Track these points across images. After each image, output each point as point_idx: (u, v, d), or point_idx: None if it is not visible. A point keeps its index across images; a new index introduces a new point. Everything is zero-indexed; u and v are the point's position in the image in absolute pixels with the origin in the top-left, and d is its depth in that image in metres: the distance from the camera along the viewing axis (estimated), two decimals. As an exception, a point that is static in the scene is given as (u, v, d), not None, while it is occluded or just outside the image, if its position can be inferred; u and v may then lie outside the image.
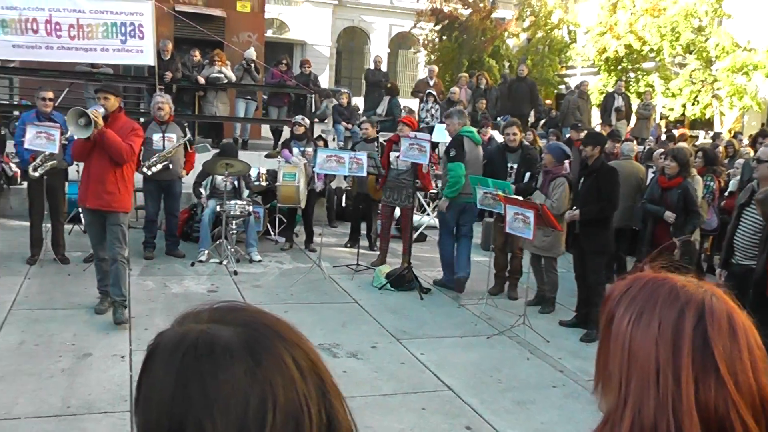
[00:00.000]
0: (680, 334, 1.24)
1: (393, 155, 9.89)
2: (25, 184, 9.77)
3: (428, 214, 12.71)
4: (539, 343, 7.49)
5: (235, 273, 9.27)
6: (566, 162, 8.94)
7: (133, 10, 12.72)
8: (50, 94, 9.24)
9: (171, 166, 9.84)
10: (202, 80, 13.90)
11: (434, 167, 11.47)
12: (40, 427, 5.14)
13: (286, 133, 14.25)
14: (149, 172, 9.68)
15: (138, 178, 10.52)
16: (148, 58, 12.79)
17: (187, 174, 10.32)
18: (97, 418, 5.30)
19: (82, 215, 7.33)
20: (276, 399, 0.94)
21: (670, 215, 8.07)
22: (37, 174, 8.86)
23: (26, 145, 8.66)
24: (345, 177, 11.82)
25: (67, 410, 5.39)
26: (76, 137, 6.84)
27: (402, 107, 17.32)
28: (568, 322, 8.15)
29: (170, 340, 0.99)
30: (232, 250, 9.73)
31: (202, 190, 10.39)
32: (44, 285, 8.35)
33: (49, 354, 6.41)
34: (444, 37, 31.26)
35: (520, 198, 8.10)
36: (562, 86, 31.30)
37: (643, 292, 1.30)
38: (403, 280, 9.14)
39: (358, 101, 18.38)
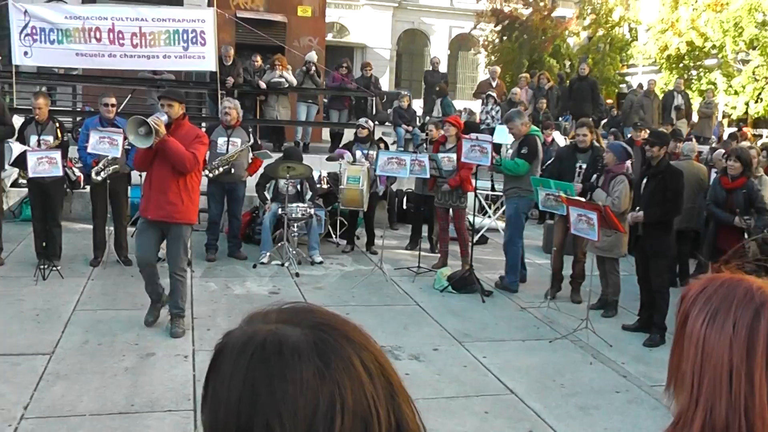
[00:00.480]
0: (755, 335, 1.23)
1: (440, 156, 9.86)
2: (88, 188, 9.96)
3: (489, 216, 12.61)
4: (602, 348, 7.34)
5: (297, 275, 9.31)
6: (627, 162, 8.79)
7: (195, 18, 12.96)
8: (113, 100, 9.42)
9: (233, 170, 9.94)
10: (263, 85, 14.00)
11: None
12: (105, 424, 5.22)
13: (347, 136, 14.28)
14: (211, 175, 9.80)
15: (202, 182, 10.70)
16: (210, 64, 12.99)
17: (251, 176, 10.41)
18: (161, 416, 5.36)
19: (139, 221, 7.07)
20: (345, 401, 0.93)
21: (740, 221, 7.87)
22: (99, 178, 9.04)
23: (89, 150, 8.87)
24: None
25: (131, 408, 5.47)
26: (138, 146, 6.58)
27: (463, 109, 17.22)
28: (631, 326, 7.98)
29: (238, 339, 0.99)
30: (294, 252, 9.77)
31: (266, 193, 10.45)
32: (107, 286, 8.49)
33: (113, 353, 6.51)
34: (504, 38, 31.06)
35: (583, 199, 7.97)
36: (623, 85, 30.83)
37: (718, 292, 1.29)
38: (464, 283, 9.07)
39: (417, 103, 18.32)
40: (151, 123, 6.37)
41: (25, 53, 12.69)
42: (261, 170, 10.54)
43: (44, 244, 8.98)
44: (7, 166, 9.60)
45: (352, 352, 0.97)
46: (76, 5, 16.97)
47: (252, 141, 10.27)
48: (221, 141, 9.96)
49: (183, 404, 5.56)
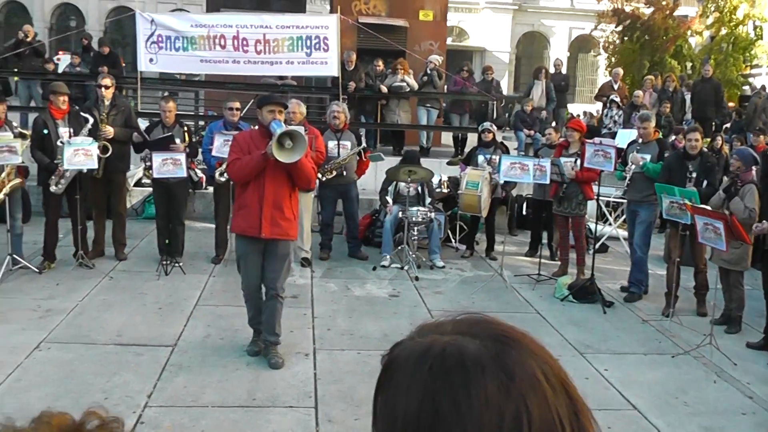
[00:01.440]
0: None
1: (563, 161, 9.69)
2: (210, 188, 10.26)
3: (610, 224, 12.33)
4: (726, 366, 7.01)
5: (417, 278, 9.32)
6: (753, 168, 8.46)
7: (319, 24, 13.17)
8: (237, 104, 9.69)
9: (345, 172, 10.05)
10: (384, 89, 14.09)
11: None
12: (227, 415, 5.36)
13: (469, 140, 14.22)
14: (324, 178, 9.88)
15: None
16: (333, 70, 13.16)
17: (358, 178, 10.52)
18: (283, 412, 5.47)
19: (236, 244, 6.56)
20: (531, 417, 0.89)
21: None
22: (223, 179, 9.27)
23: (214, 153, 9.17)
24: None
25: (253, 402, 5.60)
26: (285, 162, 5.91)
27: (583, 112, 16.89)
28: (756, 344, 7.61)
29: (413, 351, 0.96)
30: (414, 255, 9.78)
31: (388, 198, 10.52)
32: (228, 283, 8.63)
33: (234, 348, 6.69)
34: (625, 38, 30.30)
35: (709, 207, 7.69)
36: (746, 87, 29.55)
37: None
38: (585, 292, 8.88)
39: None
40: (302, 136, 5.91)
41: (151, 60, 13.14)
42: (368, 171, 10.65)
43: (167, 241, 9.31)
44: (131, 167, 10.03)
45: (535, 365, 0.94)
46: (202, 14, 17.53)
47: (363, 145, 10.39)
48: (331, 144, 10.01)
49: (304, 401, 5.65)
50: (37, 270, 8.87)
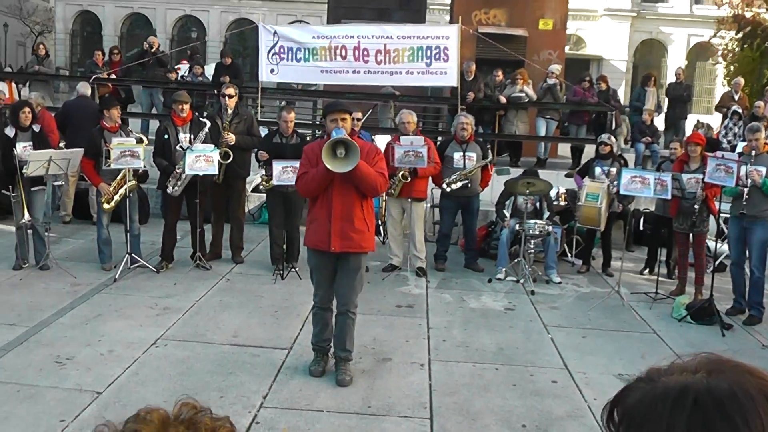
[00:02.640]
0: None
1: (684, 177, 9.26)
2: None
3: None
4: None
5: (533, 293, 9.09)
6: None
7: (439, 34, 13.14)
8: (359, 114, 9.69)
9: (469, 184, 9.94)
10: (503, 100, 13.91)
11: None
12: (342, 421, 5.31)
13: (587, 152, 13.88)
14: (448, 189, 9.87)
15: (435, 194, 10.78)
16: (452, 80, 13.07)
17: (482, 190, 10.37)
18: (397, 421, 5.37)
19: (308, 256, 6.30)
20: None
21: None
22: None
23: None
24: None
25: (368, 409, 5.52)
26: (337, 171, 5.66)
27: (700, 123, 16.24)
28: None
29: (661, 395, 0.94)
30: (530, 269, 9.56)
31: (506, 211, 10.34)
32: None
33: (350, 355, 6.63)
34: (745, 46, 29.09)
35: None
36: None
37: None
38: (703, 313, 8.44)
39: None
40: (353, 142, 5.62)
41: (272, 71, 13.35)
42: (492, 183, 10.45)
43: (284, 246, 9.35)
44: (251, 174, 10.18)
45: None
46: (323, 25, 17.76)
47: (490, 158, 10.22)
48: (457, 156, 9.99)
49: (419, 411, 5.54)
50: (154, 269, 9.10)
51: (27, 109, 9.16)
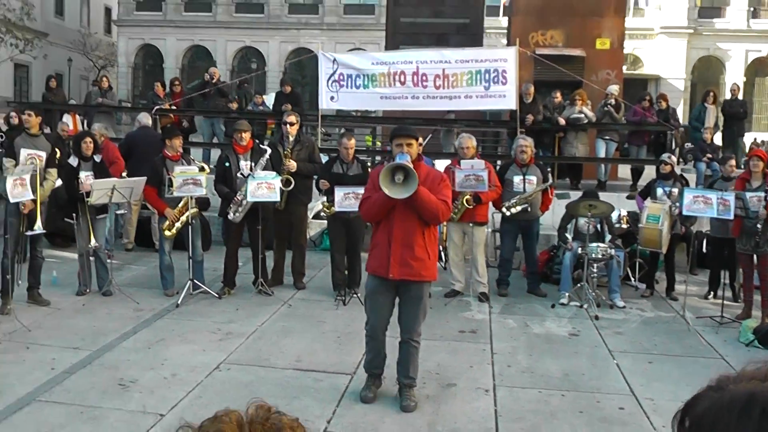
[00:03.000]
0: None
1: (747, 195, 9.02)
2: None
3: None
4: None
5: (597, 318, 8.94)
6: None
7: (497, 57, 13.11)
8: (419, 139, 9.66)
9: (529, 208, 9.88)
10: (562, 121, 13.81)
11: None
12: (408, 447, 5.23)
13: (648, 173, 13.68)
14: (508, 213, 9.84)
15: (496, 219, 10.73)
16: (511, 103, 13.03)
17: (542, 214, 10.28)
18: (464, 448, 5.29)
19: (368, 283, 6.20)
20: None
21: None
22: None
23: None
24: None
25: (434, 435, 5.44)
26: (396, 198, 5.56)
27: (760, 141, 15.91)
28: None
29: (728, 403, 0.95)
30: (593, 294, 9.41)
31: (567, 235, 10.21)
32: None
33: (416, 380, 6.58)
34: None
35: None
36: None
37: None
38: (771, 337, 8.23)
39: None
40: (411, 168, 5.50)
41: (332, 98, 13.46)
42: (553, 206, 10.36)
43: (346, 272, 9.36)
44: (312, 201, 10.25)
45: None
46: (382, 52, 17.89)
47: (550, 181, 10.15)
48: (517, 179, 9.95)
49: (485, 437, 5.45)
50: (216, 295, 9.20)
51: (89, 140, 9.38)
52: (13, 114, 14.36)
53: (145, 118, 12.91)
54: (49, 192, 8.81)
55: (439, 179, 5.90)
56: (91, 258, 9.27)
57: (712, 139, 14.90)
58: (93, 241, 8.98)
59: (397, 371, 6.11)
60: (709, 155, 14.51)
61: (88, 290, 9.23)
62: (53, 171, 8.72)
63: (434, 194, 5.69)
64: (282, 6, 45.73)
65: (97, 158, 9.43)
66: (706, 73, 42.79)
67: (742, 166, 10.57)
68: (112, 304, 8.76)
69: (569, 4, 17.24)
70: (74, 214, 9.13)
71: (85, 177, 9.10)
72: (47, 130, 12.85)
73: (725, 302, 9.45)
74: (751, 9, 42.49)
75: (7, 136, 11.14)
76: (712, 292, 10.38)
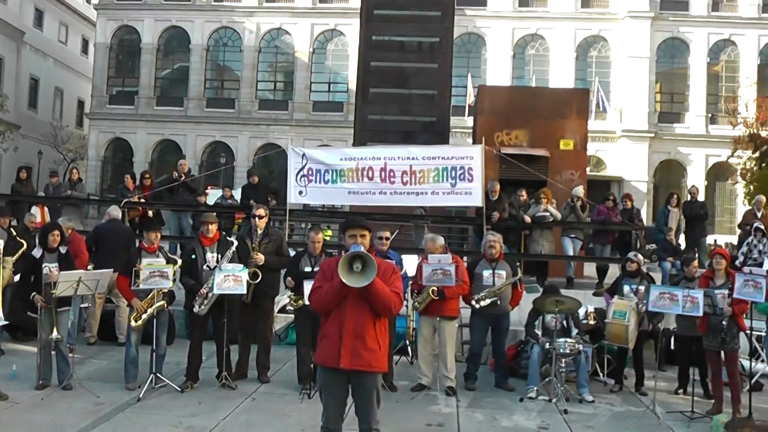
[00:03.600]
0: None
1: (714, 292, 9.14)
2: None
3: (763, 361, 11.50)
4: None
5: (566, 411, 8.88)
6: None
7: (464, 155, 13.34)
8: (387, 234, 9.75)
9: (499, 301, 9.91)
10: (528, 219, 13.99)
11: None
12: None
13: (614, 271, 13.81)
14: (477, 306, 9.86)
15: (465, 313, 10.71)
16: (477, 200, 13.21)
17: (512, 309, 10.28)
18: None
19: (318, 375, 6.06)
20: None
21: None
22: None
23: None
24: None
25: None
26: (353, 286, 5.47)
27: (725, 243, 16.14)
28: None
29: None
30: (562, 388, 9.37)
31: (537, 331, 10.23)
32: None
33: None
34: (763, 164, 29.27)
35: None
36: None
37: None
38: (743, 432, 8.21)
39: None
40: (370, 257, 5.46)
41: (300, 192, 13.57)
42: (523, 304, 10.39)
43: (311, 365, 9.22)
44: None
45: None
46: (351, 148, 18.15)
47: (519, 275, 10.21)
48: (486, 273, 10.01)
49: None
50: (179, 389, 9.03)
51: (56, 232, 9.38)
52: None
53: (115, 211, 12.87)
54: (6, 281, 8.68)
55: (390, 271, 5.81)
56: (53, 352, 9.10)
57: (676, 241, 15.12)
58: (55, 333, 8.82)
59: None
60: (671, 258, 14.70)
61: (48, 384, 9.01)
62: (9, 259, 8.63)
63: (386, 285, 5.61)
64: (252, 102, 46.48)
65: (63, 249, 9.38)
66: (667, 176, 43.81)
67: (706, 266, 10.72)
68: (71, 398, 8.56)
69: (532, 106, 17.77)
70: (37, 307, 8.99)
71: (50, 268, 9.01)
72: (14, 222, 12.76)
73: (696, 398, 9.46)
74: (709, 115, 43.90)
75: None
76: (681, 388, 10.36)
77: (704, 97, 43.99)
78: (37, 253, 9.20)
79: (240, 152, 45.35)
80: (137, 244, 9.89)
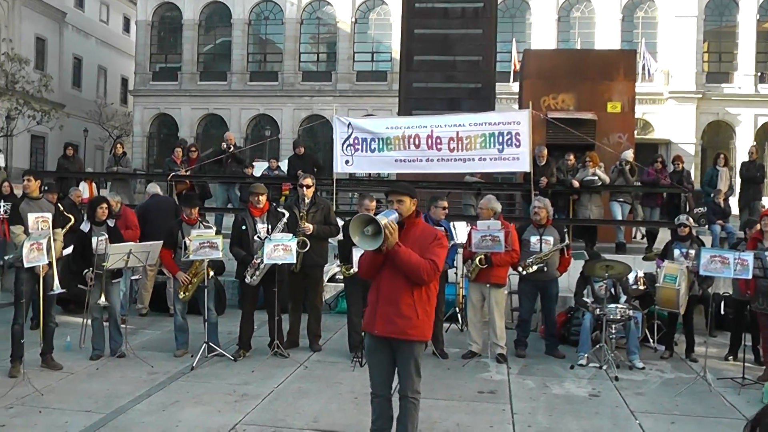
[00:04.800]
0: None
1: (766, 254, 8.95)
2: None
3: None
4: None
5: (617, 378, 8.82)
6: None
7: (511, 120, 13.18)
8: (445, 203, 9.68)
9: (546, 268, 9.86)
10: (576, 184, 13.83)
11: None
12: None
13: (662, 235, 13.68)
14: (524, 272, 9.82)
15: (513, 280, 10.67)
16: (525, 165, 13.07)
17: (560, 275, 10.22)
18: None
19: (365, 342, 6.16)
20: None
21: None
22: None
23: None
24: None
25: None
26: (362, 248, 5.53)
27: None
28: None
29: None
30: (613, 355, 9.30)
31: (586, 299, 10.16)
32: (424, 376, 8.29)
33: (435, 440, 6.47)
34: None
35: None
36: None
37: None
38: (796, 398, 8.08)
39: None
40: (382, 223, 5.30)
41: (347, 162, 13.57)
42: (572, 270, 10.32)
43: (363, 333, 9.26)
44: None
45: None
46: (396, 117, 18.09)
47: (566, 242, 10.11)
48: (534, 239, 9.97)
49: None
50: (232, 357, 9.15)
51: (104, 205, 9.49)
52: (5, 183, 14.42)
53: (154, 188, 12.96)
54: (59, 253, 8.81)
55: (432, 237, 5.67)
56: (105, 323, 9.27)
57: (724, 202, 14.82)
58: (102, 299, 8.98)
59: (396, 429, 5.92)
60: (720, 221, 14.44)
61: (101, 355, 9.20)
62: (59, 231, 8.74)
63: (424, 252, 5.50)
64: (296, 74, 46.48)
65: (111, 223, 9.50)
66: (715, 137, 43.04)
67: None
68: (125, 368, 8.72)
69: (579, 69, 17.49)
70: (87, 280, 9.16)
71: (99, 241, 9.15)
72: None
73: (747, 364, 9.33)
74: (759, 74, 42.93)
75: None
76: (732, 354, 10.23)
77: (753, 56, 43.01)
78: (85, 227, 9.34)
79: (284, 124, 45.50)
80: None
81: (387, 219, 5.29)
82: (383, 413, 5.84)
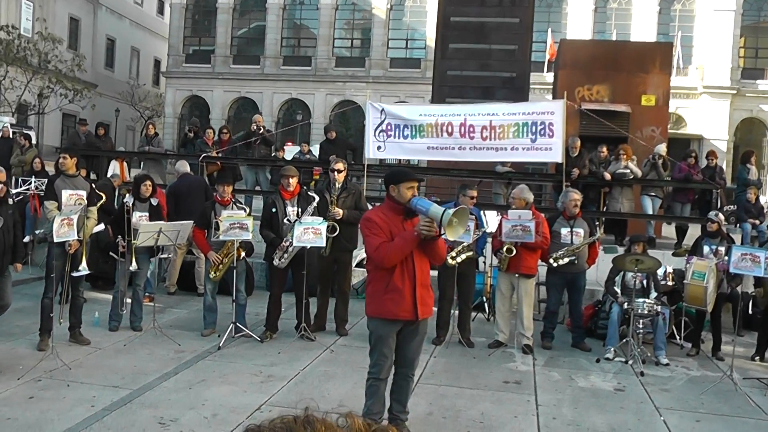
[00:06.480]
0: None
1: None
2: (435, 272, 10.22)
3: None
4: None
5: (642, 374, 8.76)
6: None
7: (545, 110, 13.09)
8: (474, 192, 9.64)
9: (576, 260, 9.80)
10: (608, 176, 13.72)
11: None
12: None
13: (691, 232, 13.55)
14: (555, 264, 9.76)
15: (542, 271, 10.63)
16: (557, 156, 12.98)
17: (589, 267, 10.15)
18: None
19: (377, 327, 5.96)
20: None
21: None
22: (455, 262, 9.26)
23: (451, 238, 9.10)
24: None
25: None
26: (451, 239, 5.56)
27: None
28: None
29: None
30: (639, 350, 9.25)
31: (616, 288, 10.10)
32: (450, 364, 8.61)
33: (457, 428, 6.53)
34: None
35: None
36: None
37: None
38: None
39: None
40: (466, 211, 5.46)
41: (379, 148, 13.54)
42: (601, 263, 10.24)
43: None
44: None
45: None
46: (430, 104, 18.04)
47: (597, 234, 10.03)
48: (564, 231, 9.91)
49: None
50: (258, 339, 9.22)
51: (148, 183, 9.64)
52: (36, 160, 14.58)
53: (183, 167, 12.91)
54: (91, 231, 8.91)
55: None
56: (127, 300, 9.45)
57: (756, 200, 14.64)
58: (134, 264, 9.15)
59: (393, 408, 6.10)
60: (753, 219, 14.27)
61: (118, 326, 9.41)
62: (93, 209, 8.86)
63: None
64: (329, 59, 46.45)
65: (154, 201, 9.61)
66: (748, 134, 42.47)
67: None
68: (153, 345, 8.81)
69: (615, 60, 17.33)
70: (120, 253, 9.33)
71: (139, 217, 9.29)
72: (93, 177, 13.00)
73: (775, 365, 9.27)
74: (795, 71, 42.34)
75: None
76: (759, 355, 10.13)
77: (790, 53, 42.39)
78: (129, 200, 9.49)
79: (316, 109, 45.52)
80: (212, 196, 10.06)
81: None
82: (381, 396, 6.04)
